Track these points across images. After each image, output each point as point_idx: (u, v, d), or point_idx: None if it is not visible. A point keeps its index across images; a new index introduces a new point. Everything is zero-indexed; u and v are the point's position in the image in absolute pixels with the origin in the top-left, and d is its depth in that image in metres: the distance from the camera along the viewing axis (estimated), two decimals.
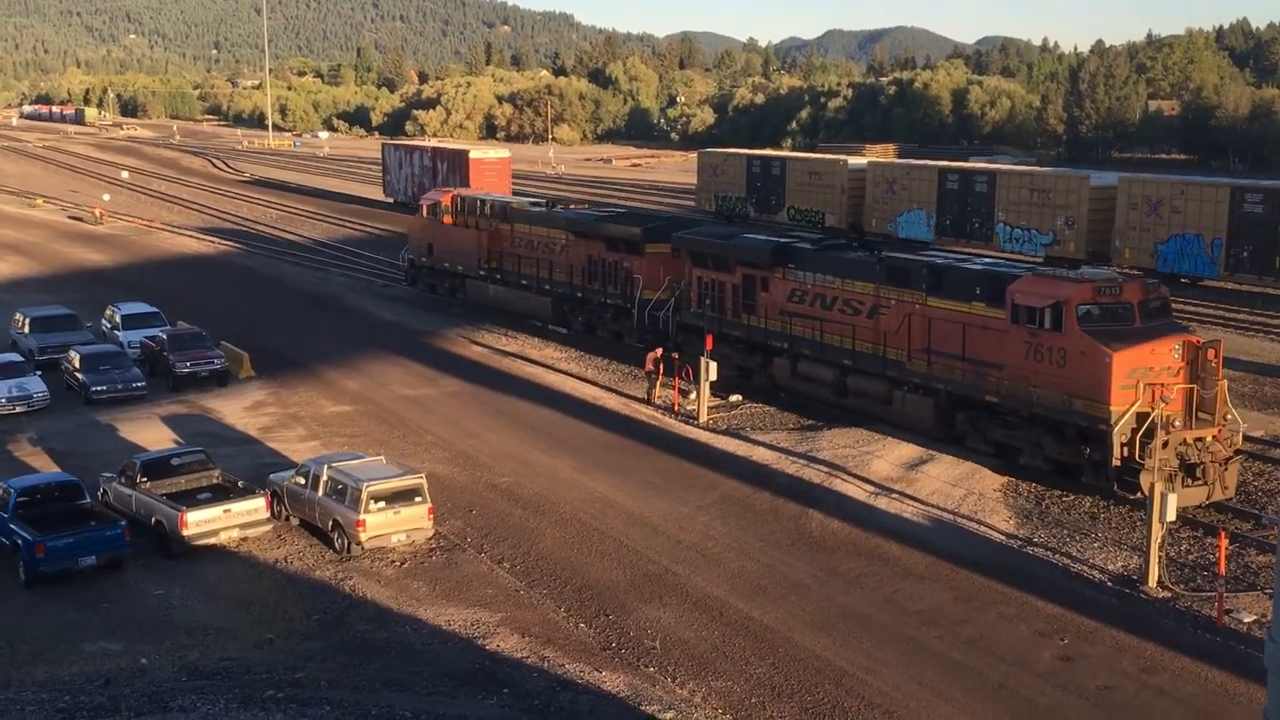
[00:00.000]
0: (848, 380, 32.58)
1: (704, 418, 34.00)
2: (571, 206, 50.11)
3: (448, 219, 50.81)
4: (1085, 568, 23.64)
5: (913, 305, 30.41)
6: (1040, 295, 27.03)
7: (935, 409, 30.09)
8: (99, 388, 35.68)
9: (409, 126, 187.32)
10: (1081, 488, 27.16)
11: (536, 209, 48.02)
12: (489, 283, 48.66)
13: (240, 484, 26.57)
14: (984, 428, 29.11)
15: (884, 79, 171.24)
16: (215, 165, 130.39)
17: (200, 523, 24.52)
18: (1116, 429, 25.38)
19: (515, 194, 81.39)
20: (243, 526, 25.07)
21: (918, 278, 30.46)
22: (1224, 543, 21.87)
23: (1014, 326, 27.55)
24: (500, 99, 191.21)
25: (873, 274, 31.77)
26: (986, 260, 34.39)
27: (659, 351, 36.69)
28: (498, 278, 48.15)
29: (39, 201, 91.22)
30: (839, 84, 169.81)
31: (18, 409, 34.50)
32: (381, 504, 24.45)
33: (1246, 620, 21.09)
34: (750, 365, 36.26)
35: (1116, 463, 25.60)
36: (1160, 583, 22.66)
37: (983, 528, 25.75)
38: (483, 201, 49.99)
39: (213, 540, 24.72)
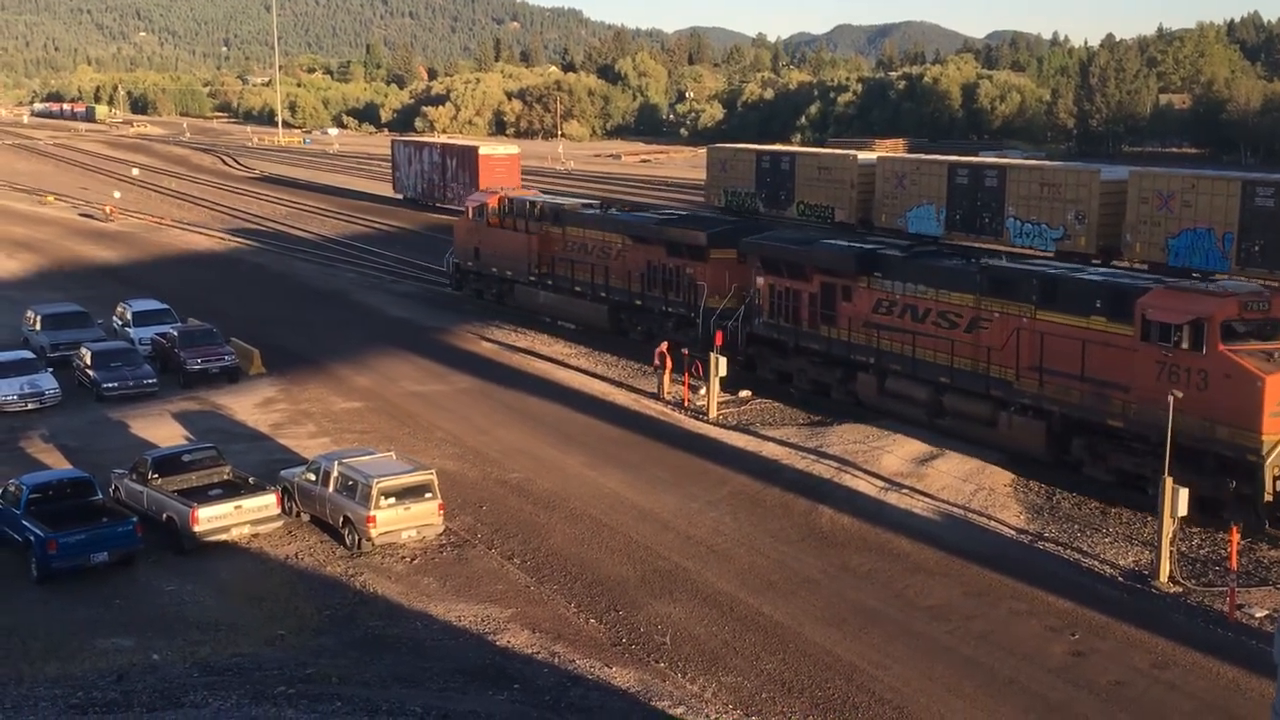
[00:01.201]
0: (944, 399, 30.24)
1: (714, 413, 33.99)
2: (625, 208, 48.03)
3: (495, 221, 48.81)
4: (1096, 563, 23.60)
5: (1020, 319, 28.10)
6: (1177, 310, 24.67)
7: (1048, 433, 27.67)
8: (110, 384, 35.77)
9: (418, 123, 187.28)
10: (1087, 487, 27.09)
11: (591, 211, 46.15)
12: (539, 289, 46.60)
13: (251, 480, 26.64)
14: (1104, 455, 26.73)
15: (893, 74, 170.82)
16: (225, 162, 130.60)
17: (211, 519, 24.58)
18: (1269, 461, 23.24)
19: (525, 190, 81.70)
20: (254, 523, 25.12)
21: (1026, 289, 28.12)
22: (1235, 537, 21.79)
23: (1144, 344, 25.18)
24: (509, 95, 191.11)
25: (972, 284, 29.50)
26: (1103, 270, 32.22)
27: (666, 345, 36.69)
28: (549, 283, 46.10)
29: (50, 199, 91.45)
30: (848, 79, 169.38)
31: (30, 406, 34.62)
32: (392, 500, 24.49)
33: (1258, 615, 21.03)
34: (828, 380, 34.08)
35: (1269, 498, 23.53)
36: (1172, 578, 22.61)
37: (993, 523, 25.72)
38: (533, 204, 47.75)
39: (224, 536, 24.78)
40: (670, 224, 41.68)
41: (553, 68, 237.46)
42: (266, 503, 25.38)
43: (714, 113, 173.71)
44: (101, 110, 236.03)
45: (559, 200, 49.72)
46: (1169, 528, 22.55)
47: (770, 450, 30.78)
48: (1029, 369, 28.00)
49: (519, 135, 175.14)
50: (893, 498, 27.26)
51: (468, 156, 79.49)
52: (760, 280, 35.89)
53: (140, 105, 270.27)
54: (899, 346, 31.19)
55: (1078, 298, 27.15)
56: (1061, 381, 27.24)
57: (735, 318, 36.67)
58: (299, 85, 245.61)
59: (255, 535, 25.26)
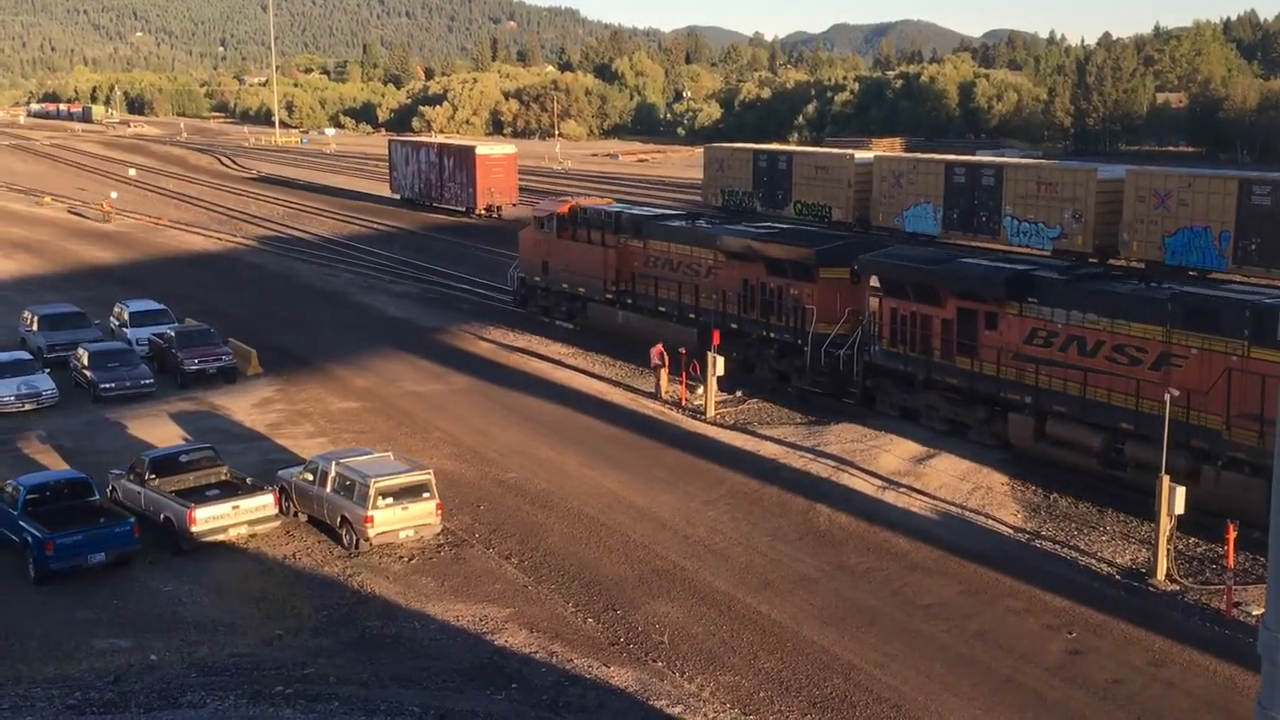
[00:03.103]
0: (1124, 447, 26.23)
1: (711, 412, 34.00)
2: (716, 221, 44.13)
3: (566, 233, 44.88)
4: (1093, 561, 23.63)
5: (1228, 357, 24.17)
6: None
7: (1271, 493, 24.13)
8: (107, 385, 35.75)
9: (415, 123, 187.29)
10: (1090, 483, 27.09)
11: (677, 223, 42.16)
12: (618, 307, 42.64)
13: (248, 480, 26.64)
14: None
15: (890, 73, 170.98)
16: (222, 162, 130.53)
17: (209, 519, 24.58)
18: None
19: (522, 190, 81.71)
20: (251, 523, 25.12)
21: (1236, 321, 24.13)
22: (1232, 535, 21.81)
23: None
24: (506, 95, 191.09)
25: (1159, 314, 25.61)
26: None
27: (662, 345, 36.66)
28: (629, 302, 42.08)
29: (46, 200, 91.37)
30: (845, 78, 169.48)
31: (27, 406, 34.60)
32: (389, 500, 24.50)
33: (1255, 613, 21.03)
34: (967, 419, 30.24)
35: None
36: (1169, 576, 22.65)
37: (991, 521, 25.74)
38: (610, 214, 43.81)
39: (221, 537, 24.78)
40: (772, 239, 37.33)
41: (550, 67, 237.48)
42: (264, 503, 25.38)
43: (711, 112, 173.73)
44: (98, 111, 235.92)
45: (639, 210, 46.29)
46: (1166, 526, 22.57)
47: (768, 449, 30.79)
48: (1243, 417, 23.91)
49: (516, 135, 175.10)
50: (890, 496, 27.27)
51: (465, 156, 79.48)
52: (880, 303, 32.34)
53: (137, 105, 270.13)
54: (1064, 384, 26.98)
55: None
56: None
57: (849, 345, 33.34)
58: (296, 85, 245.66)
59: (253, 535, 25.25)
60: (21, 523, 23.78)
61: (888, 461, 29.16)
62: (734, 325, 37.28)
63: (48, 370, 36.72)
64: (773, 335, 36.18)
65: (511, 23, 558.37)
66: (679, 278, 39.75)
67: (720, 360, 34.05)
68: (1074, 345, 27.13)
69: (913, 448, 29.94)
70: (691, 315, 39.06)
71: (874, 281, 32.70)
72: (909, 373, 31.31)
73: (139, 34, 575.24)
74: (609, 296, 42.86)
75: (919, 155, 73.34)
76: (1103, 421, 26.50)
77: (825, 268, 34.62)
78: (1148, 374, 25.53)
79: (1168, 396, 23.30)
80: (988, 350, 29.05)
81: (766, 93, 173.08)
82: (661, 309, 40.46)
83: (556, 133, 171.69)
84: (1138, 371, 25.75)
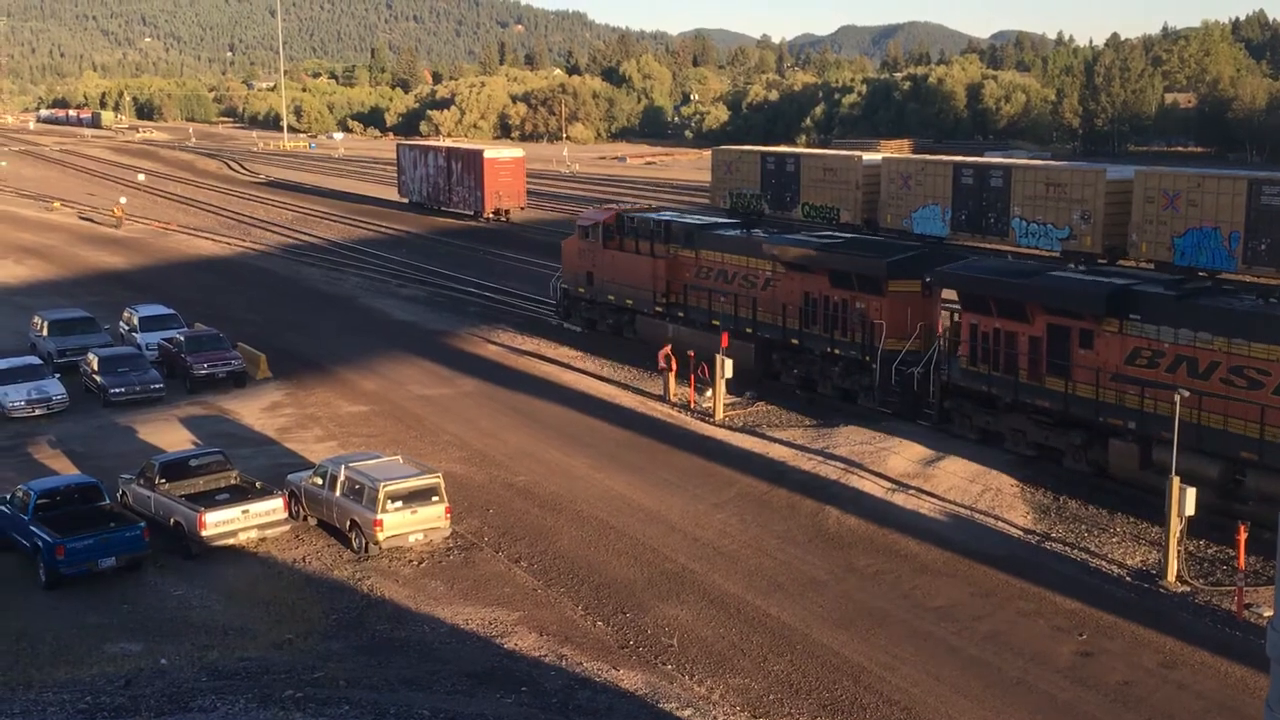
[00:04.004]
0: (1246, 478, 24.30)
1: (720, 415, 33.98)
2: (774, 230, 41.96)
3: (613, 243, 42.96)
4: (1104, 563, 23.57)
5: None
6: None
7: None
8: (117, 390, 35.84)
9: (423, 127, 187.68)
10: (1101, 485, 27.02)
11: (731, 232, 39.62)
12: (668, 321, 40.32)
13: (258, 484, 26.67)
14: None
15: (898, 74, 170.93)
16: (231, 167, 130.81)
17: (219, 523, 24.62)
18: None
19: (530, 193, 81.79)
20: (261, 527, 25.16)
21: None
22: (1243, 536, 21.75)
23: None
24: (514, 98, 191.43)
25: None
26: None
27: (670, 347, 36.64)
28: (680, 315, 39.77)
29: (56, 205, 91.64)
30: (853, 80, 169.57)
31: (37, 411, 34.69)
32: (399, 503, 24.51)
33: (1266, 614, 20.96)
34: (1059, 444, 28.24)
35: None
36: (1179, 577, 22.59)
37: (1000, 523, 25.69)
38: (660, 222, 41.50)
39: (231, 541, 24.81)
40: (836, 249, 35.16)
41: (557, 71, 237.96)
42: (274, 507, 25.41)
43: (719, 114, 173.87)
44: (107, 116, 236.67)
45: (690, 217, 44.12)
46: (1176, 527, 22.51)
47: (777, 452, 30.77)
48: None
49: (524, 138, 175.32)
50: (899, 499, 27.23)
51: (473, 160, 79.59)
52: (957, 318, 30.79)
53: (146, 111, 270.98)
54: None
55: None
56: None
57: (925, 363, 31.37)
58: (304, 90, 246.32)
59: (263, 539, 25.28)
60: (32, 527, 23.85)
61: (896, 464, 29.11)
62: (794, 341, 35.50)
63: (58, 375, 36.82)
64: (838, 352, 34.17)
65: (519, 26, 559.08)
66: (734, 290, 37.64)
67: (729, 362, 34.01)
68: (1184, 366, 25.05)
69: (921, 450, 29.89)
70: (749, 330, 36.91)
71: (948, 295, 31.29)
72: (992, 394, 29.25)
73: (148, 39, 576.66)
74: (659, 309, 40.80)
75: (927, 157, 73.24)
76: (1220, 450, 24.40)
77: (895, 280, 32.57)
78: (1271, 399, 23.52)
79: (1177, 398, 23.22)
80: (1083, 370, 26.84)
81: (774, 95, 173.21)
82: (716, 323, 38.04)
83: (564, 136, 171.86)
84: (1260, 396, 23.69)
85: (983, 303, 29.37)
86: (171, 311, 43.68)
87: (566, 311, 46.34)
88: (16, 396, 34.62)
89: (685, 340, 38.06)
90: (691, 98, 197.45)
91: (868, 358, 33.04)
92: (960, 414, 30.51)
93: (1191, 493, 22.34)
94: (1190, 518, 22.72)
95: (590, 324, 45.13)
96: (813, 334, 34.94)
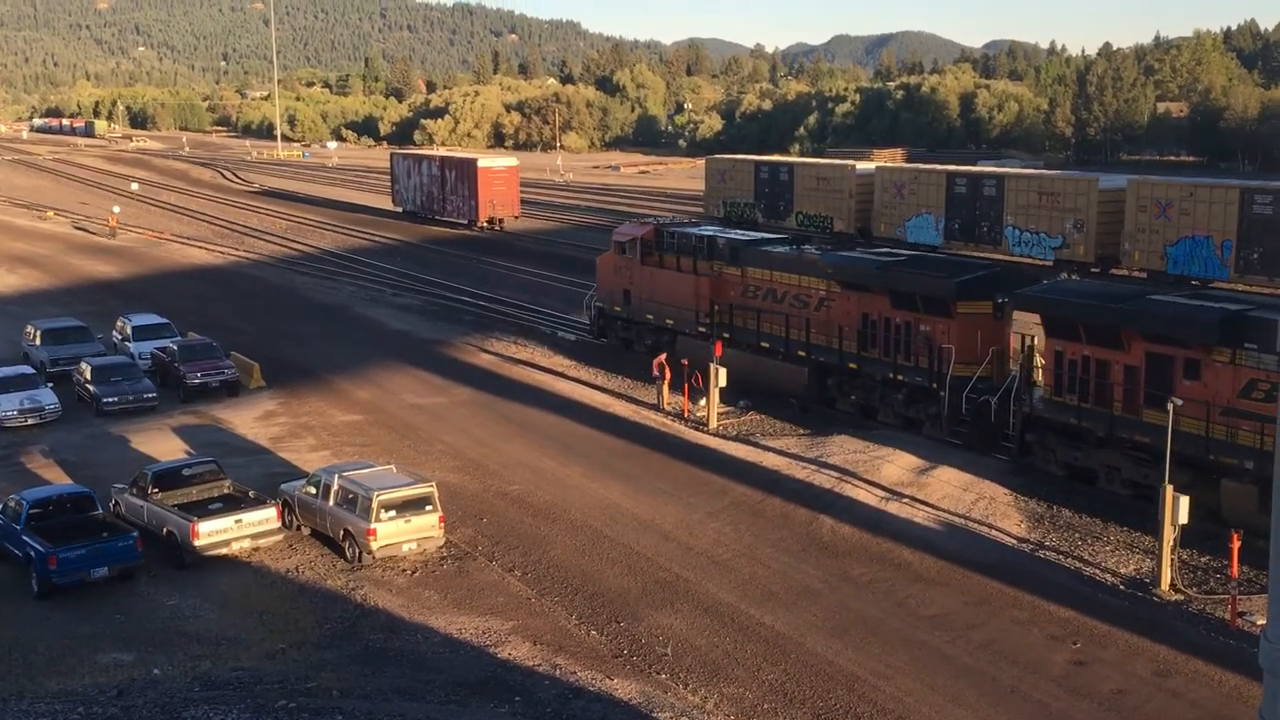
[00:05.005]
0: None
1: (714, 424, 33.98)
2: (826, 246, 39.88)
3: (652, 259, 40.87)
4: (1097, 571, 23.59)
5: None
6: None
7: None
8: (110, 399, 35.78)
9: (417, 136, 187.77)
10: (1087, 497, 27.03)
11: (780, 249, 37.40)
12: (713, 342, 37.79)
13: (251, 494, 26.63)
14: None
15: (891, 84, 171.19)
16: (224, 176, 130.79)
17: (212, 533, 24.56)
18: None
19: (523, 203, 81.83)
20: (254, 536, 25.10)
21: None
22: (1236, 545, 21.77)
23: None
24: (508, 107, 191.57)
25: None
26: None
27: (664, 356, 36.63)
28: (725, 336, 37.26)
29: (49, 214, 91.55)
30: (846, 89, 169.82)
31: (30, 421, 34.62)
32: (392, 513, 24.48)
33: (1260, 623, 20.98)
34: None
35: None
36: (1173, 585, 22.61)
37: (994, 532, 25.71)
38: (702, 238, 39.35)
39: (224, 550, 24.76)
40: (898, 268, 32.98)
41: (551, 80, 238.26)
42: (267, 516, 25.37)
43: (712, 124, 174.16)
44: (101, 125, 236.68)
45: (735, 233, 41.88)
46: (1170, 535, 22.53)
47: (770, 461, 30.78)
48: None
49: (518, 147, 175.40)
50: (893, 507, 27.25)
51: (467, 169, 79.66)
52: (1030, 342, 29.32)
53: (139, 120, 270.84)
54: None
55: None
56: None
57: (1000, 392, 29.40)
58: (298, 99, 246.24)
59: (256, 549, 25.23)
60: (25, 537, 23.79)
61: (890, 472, 29.13)
62: (852, 365, 33.45)
63: (50, 384, 36.75)
64: (901, 378, 32.00)
65: (513, 36, 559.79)
66: (785, 310, 35.47)
67: (722, 371, 34.00)
68: None
69: (915, 459, 29.90)
70: (801, 354, 34.90)
71: (1020, 317, 29.61)
72: (1082, 426, 27.01)
73: (141, 49, 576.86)
74: (702, 330, 38.33)
75: (920, 166, 73.46)
76: None
77: (965, 301, 30.52)
78: None
79: (1171, 406, 23.25)
80: (1189, 404, 24.26)
81: (767, 104, 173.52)
82: (765, 345, 36.09)
83: (558, 145, 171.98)
84: None
85: (1070, 328, 27.27)
86: (165, 321, 43.64)
87: (601, 330, 44.36)
88: (9, 406, 34.53)
89: (733, 364, 35.68)
90: (685, 107, 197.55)
91: (935, 384, 30.90)
92: (1043, 447, 28.34)
93: (1185, 501, 22.36)
94: (1183, 526, 22.77)
95: (627, 344, 43.25)
96: (872, 358, 32.88)
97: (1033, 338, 29.65)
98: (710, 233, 40.39)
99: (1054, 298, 28.82)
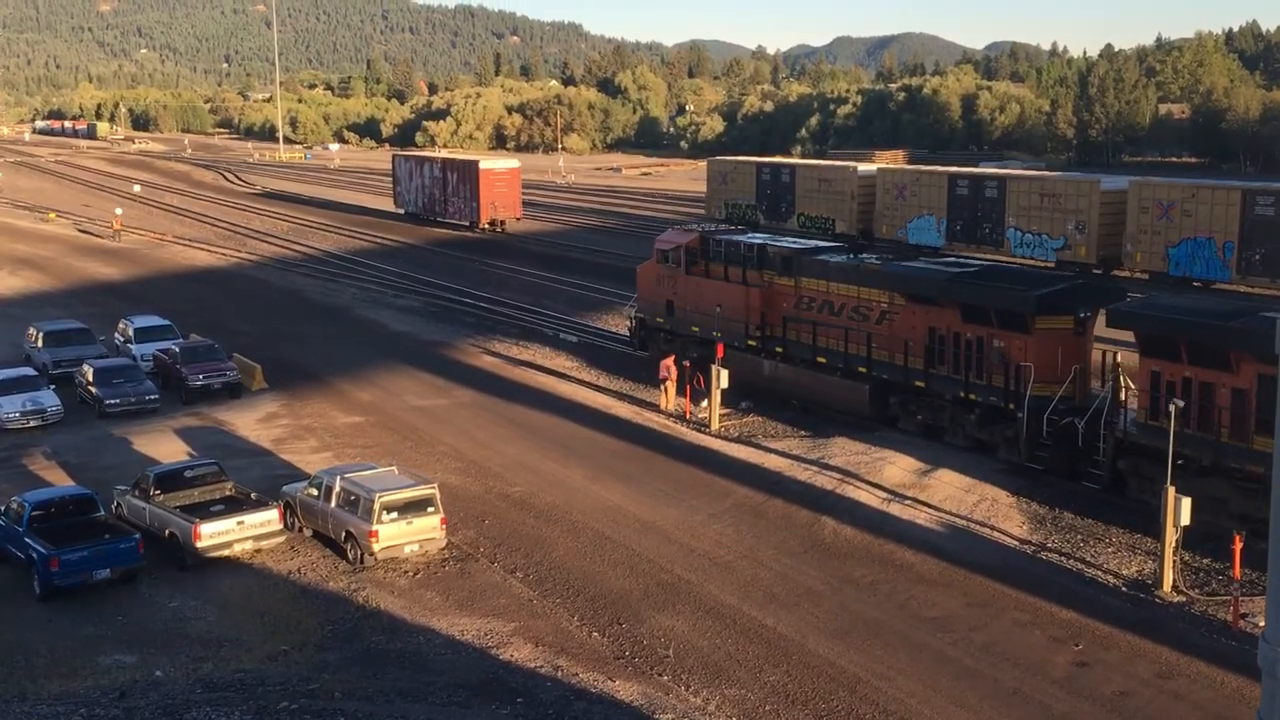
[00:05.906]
0: None
1: (716, 426, 33.98)
2: (888, 256, 37.92)
3: (697, 269, 38.62)
4: (1099, 573, 23.58)
5: None
6: None
7: None
8: (112, 401, 35.80)
9: (419, 138, 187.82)
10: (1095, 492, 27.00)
11: (838, 258, 35.18)
12: (763, 357, 36.08)
13: (253, 496, 26.65)
14: None
15: (893, 85, 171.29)
16: (227, 178, 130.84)
17: (214, 535, 24.58)
18: None
19: (525, 204, 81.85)
20: (256, 538, 25.11)
21: None
22: (1239, 546, 21.75)
23: None
24: (510, 109, 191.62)
25: None
26: None
27: (672, 358, 36.61)
28: (778, 351, 35.57)
29: (52, 216, 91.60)
30: (848, 91, 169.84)
31: (32, 423, 34.64)
32: (394, 514, 24.49)
33: (1262, 624, 20.97)
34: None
35: None
36: (1175, 587, 22.59)
37: (996, 533, 25.70)
38: (751, 246, 37.04)
39: (226, 552, 24.77)
40: (970, 279, 30.86)
41: (553, 81, 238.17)
42: (269, 518, 25.38)
43: (714, 125, 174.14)
44: (103, 127, 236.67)
45: (787, 241, 39.18)
46: (1172, 537, 22.52)
47: (772, 462, 30.77)
48: None
49: (519, 149, 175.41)
50: (895, 509, 27.24)
51: (469, 171, 79.68)
52: (1130, 362, 27.43)
53: (142, 122, 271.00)
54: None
55: None
56: None
57: (1088, 414, 27.41)
58: (300, 101, 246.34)
59: (258, 551, 25.25)
60: (27, 539, 23.81)
61: (892, 474, 29.12)
62: (919, 383, 31.43)
63: (53, 386, 36.76)
64: (974, 397, 29.92)
65: (514, 38, 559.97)
66: (843, 323, 33.38)
67: (725, 373, 33.99)
68: None
69: (917, 460, 29.90)
70: (862, 369, 32.90)
71: (1135, 336, 27.03)
72: (1186, 454, 24.68)
73: (144, 51, 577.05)
74: (752, 344, 36.31)
75: (922, 167, 73.47)
76: None
77: (1045, 316, 28.47)
78: None
79: (1173, 408, 23.23)
80: None
81: (769, 106, 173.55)
82: (821, 360, 34.06)
83: (560, 146, 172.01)
84: None
85: (1170, 346, 25.35)
86: (167, 322, 43.65)
87: (643, 342, 41.89)
88: (11, 408, 34.56)
89: (785, 379, 34.85)
90: (687, 108, 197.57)
91: (1012, 405, 28.83)
92: (1138, 476, 26.21)
93: (1187, 502, 22.36)
94: (1185, 528, 22.76)
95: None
96: (941, 375, 30.89)
97: (1115, 353, 27.93)
98: (761, 240, 38.11)
99: (1152, 314, 26.79)
